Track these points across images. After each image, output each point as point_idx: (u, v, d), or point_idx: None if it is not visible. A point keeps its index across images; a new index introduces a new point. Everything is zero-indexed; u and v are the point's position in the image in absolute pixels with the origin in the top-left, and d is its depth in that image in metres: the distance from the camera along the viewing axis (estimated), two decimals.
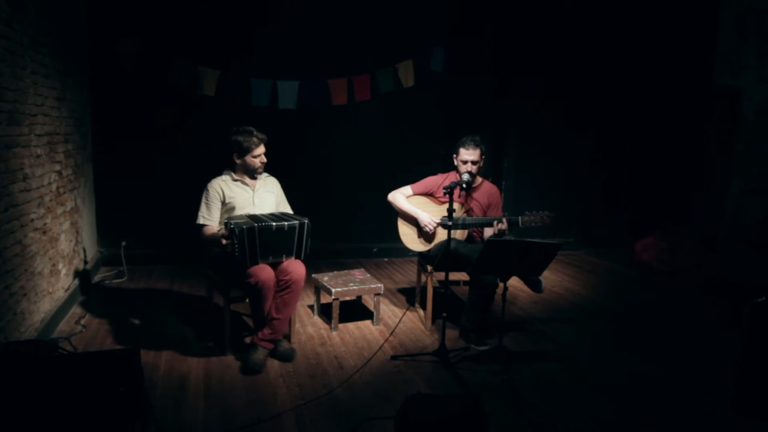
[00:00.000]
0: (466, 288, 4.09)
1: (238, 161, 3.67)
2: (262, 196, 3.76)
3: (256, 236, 3.28)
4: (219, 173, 3.75)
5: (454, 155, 4.08)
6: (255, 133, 3.63)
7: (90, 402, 2.17)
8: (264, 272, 3.35)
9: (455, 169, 4.13)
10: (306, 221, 3.46)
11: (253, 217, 3.45)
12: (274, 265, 3.49)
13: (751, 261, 5.16)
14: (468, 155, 3.96)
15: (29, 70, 3.62)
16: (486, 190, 4.17)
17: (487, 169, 5.11)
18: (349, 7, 5.75)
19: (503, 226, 3.83)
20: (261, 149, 3.65)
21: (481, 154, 3.98)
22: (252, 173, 3.71)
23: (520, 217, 3.80)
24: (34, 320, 3.62)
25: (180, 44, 5.44)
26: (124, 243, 5.46)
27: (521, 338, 4.05)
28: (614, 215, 7.04)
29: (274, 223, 3.32)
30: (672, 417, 3.00)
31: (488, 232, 4.00)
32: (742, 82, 5.80)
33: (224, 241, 3.39)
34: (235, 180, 3.71)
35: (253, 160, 3.64)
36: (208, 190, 3.66)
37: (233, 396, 3.09)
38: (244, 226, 3.25)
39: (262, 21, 5.67)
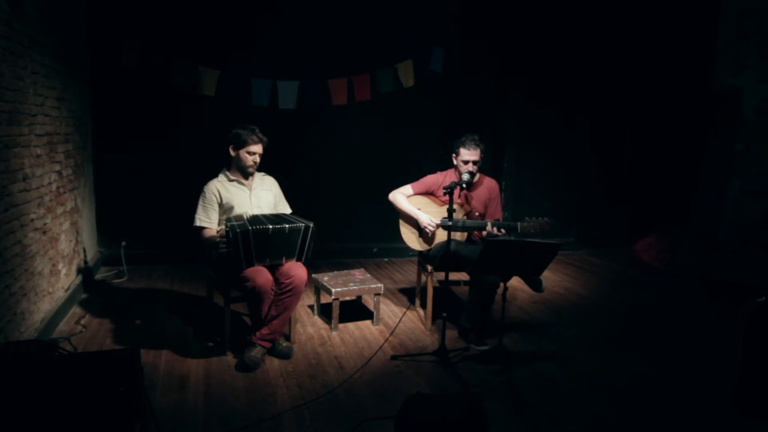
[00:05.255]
0: (466, 288, 4.10)
1: (232, 154, 3.66)
2: (259, 195, 3.76)
3: (251, 239, 3.27)
4: (218, 174, 3.75)
5: (454, 155, 4.08)
6: (257, 131, 3.63)
7: (90, 402, 2.17)
8: (261, 277, 3.35)
9: (454, 167, 4.13)
10: (311, 225, 3.44)
11: (253, 219, 3.44)
12: (273, 268, 3.49)
13: (751, 261, 5.15)
14: (469, 155, 3.96)
15: (29, 70, 3.62)
16: (486, 185, 4.18)
17: (488, 169, 5.12)
18: (350, 7, 5.75)
19: (497, 230, 3.83)
20: (258, 148, 3.63)
21: (481, 153, 3.99)
22: (244, 170, 3.69)
23: (519, 223, 3.79)
24: (34, 320, 3.62)
25: (180, 44, 5.44)
26: (124, 243, 5.46)
27: (521, 338, 4.05)
28: (614, 215, 7.04)
29: (270, 226, 3.31)
30: (672, 417, 3.00)
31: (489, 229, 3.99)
32: (742, 82, 5.80)
33: (221, 245, 3.38)
34: (231, 180, 3.70)
35: (247, 156, 3.62)
36: (204, 192, 3.66)
37: (233, 396, 3.09)
38: (238, 229, 3.24)
39: (262, 21, 5.67)
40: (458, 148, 4.02)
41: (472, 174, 3.94)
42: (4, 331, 3.11)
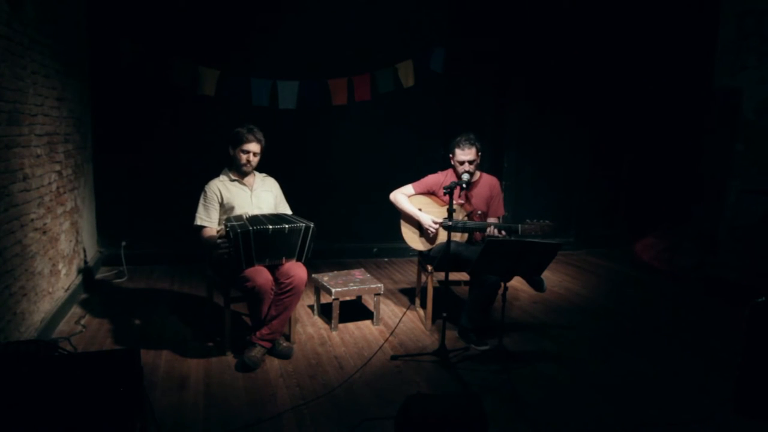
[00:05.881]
0: (467, 288, 4.09)
1: (231, 153, 3.68)
2: (260, 195, 3.76)
3: (251, 239, 3.27)
4: (219, 174, 3.76)
5: (450, 155, 4.07)
6: (255, 130, 3.63)
7: (90, 402, 2.17)
8: (261, 276, 3.35)
9: (453, 168, 4.13)
10: (311, 225, 3.44)
11: (253, 219, 3.44)
12: (273, 268, 3.49)
13: (751, 261, 5.15)
14: (464, 155, 3.95)
15: (29, 70, 3.62)
16: (486, 182, 4.17)
17: (488, 169, 5.11)
18: (349, 7, 5.75)
19: (497, 232, 3.84)
20: (253, 147, 3.63)
21: (477, 152, 3.98)
22: (239, 169, 3.69)
23: (520, 225, 3.79)
24: (34, 320, 3.62)
25: (179, 44, 5.44)
26: (124, 243, 5.46)
27: (521, 338, 4.05)
28: (614, 215, 7.04)
29: (270, 226, 3.31)
30: (672, 417, 3.00)
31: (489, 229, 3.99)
32: (742, 82, 5.80)
33: (221, 245, 3.38)
34: (233, 180, 3.71)
35: (241, 154, 3.63)
36: (205, 191, 3.66)
37: (233, 396, 3.09)
38: (239, 230, 3.24)
39: (262, 21, 5.67)
40: (453, 149, 4.01)
41: (470, 173, 3.94)
42: (4, 331, 3.11)
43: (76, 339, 3.76)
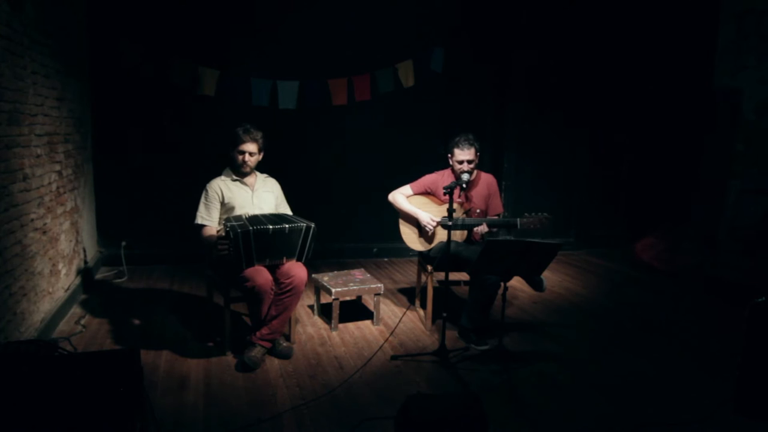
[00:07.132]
0: (467, 288, 4.09)
1: (231, 154, 3.68)
2: (261, 196, 3.76)
3: (251, 239, 3.27)
4: (219, 173, 3.76)
5: (449, 156, 4.07)
6: (251, 130, 3.62)
7: (90, 402, 2.16)
8: (261, 276, 3.34)
9: (451, 167, 4.13)
10: (312, 225, 3.44)
11: (253, 219, 3.44)
12: (273, 268, 3.49)
13: (751, 261, 5.15)
14: (463, 155, 3.95)
15: (29, 70, 3.62)
16: (484, 180, 4.18)
17: (488, 169, 5.11)
18: (349, 7, 5.75)
19: (486, 229, 3.85)
20: (249, 146, 3.62)
21: (476, 152, 3.98)
22: (238, 169, 3.69)
23: (518, 219, 3.80)
24: (34, 320, 3.62)
25: (180, 44, 5.44)
26: (124, 243, 5.46)
27: (521, 338, 4.05)
28: (614, 215, 7.04)
29: (271, 226, 3.31)
30: (672, 417, 3.00)
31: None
32: (742, 82, 5.80)
33: (220, 246, 3.38)
34: (234, 180, 3.71)
35: (238, 155, 3.63)
36: (207, 190, 3.66)
37: (233, 396, 3.09)
38: (239, 230, 3.24)
39: (262, 21, 5.68)
40: (453, 149, 4.01)
41: (470, 173, 3.94)
42: (4, 331, 3.11)
43: (76, 339, 3.76)
